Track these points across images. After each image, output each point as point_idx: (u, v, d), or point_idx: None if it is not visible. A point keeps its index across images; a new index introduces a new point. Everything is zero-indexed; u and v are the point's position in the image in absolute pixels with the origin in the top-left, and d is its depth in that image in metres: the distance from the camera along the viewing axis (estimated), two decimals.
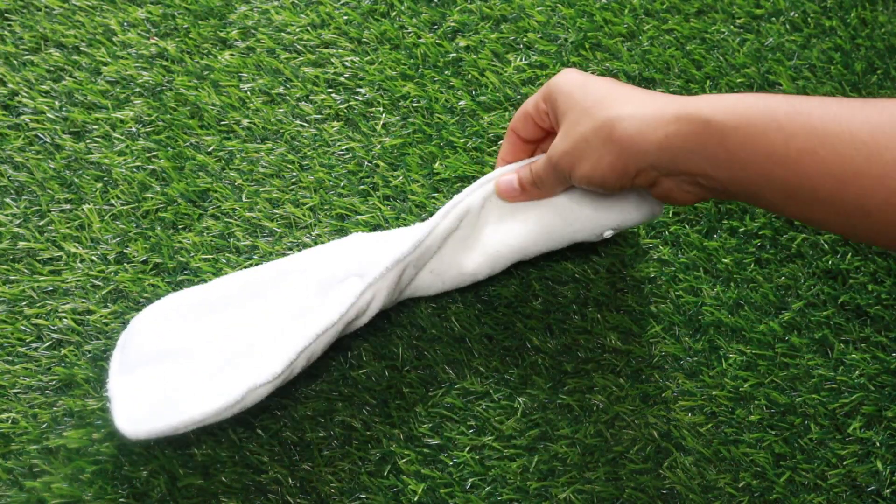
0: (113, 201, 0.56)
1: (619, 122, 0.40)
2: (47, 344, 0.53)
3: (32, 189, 0.56)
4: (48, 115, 0.58)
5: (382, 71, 0.60)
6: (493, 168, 0.57)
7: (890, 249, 0.36)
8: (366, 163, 0.58)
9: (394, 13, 0.62)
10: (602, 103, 0.42)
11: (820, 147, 0.34)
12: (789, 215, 0.38)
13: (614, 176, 0.42)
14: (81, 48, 0.60)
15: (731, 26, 0.61)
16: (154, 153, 0.58)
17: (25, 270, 0.54)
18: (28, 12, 0.61)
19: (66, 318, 0.53)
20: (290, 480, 0.50)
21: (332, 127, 0.59)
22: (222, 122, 0.59)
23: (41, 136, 0.58)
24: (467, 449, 0.51)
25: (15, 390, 0.52)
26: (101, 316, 0.53)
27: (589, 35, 0.61)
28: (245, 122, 0.59)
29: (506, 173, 0.50)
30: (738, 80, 0.60)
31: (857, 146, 0.34)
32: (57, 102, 0.59)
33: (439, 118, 0.59)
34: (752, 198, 0.39)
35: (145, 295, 0.54)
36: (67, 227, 0.56)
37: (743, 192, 0.39)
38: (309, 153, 0.58)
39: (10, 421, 0.51)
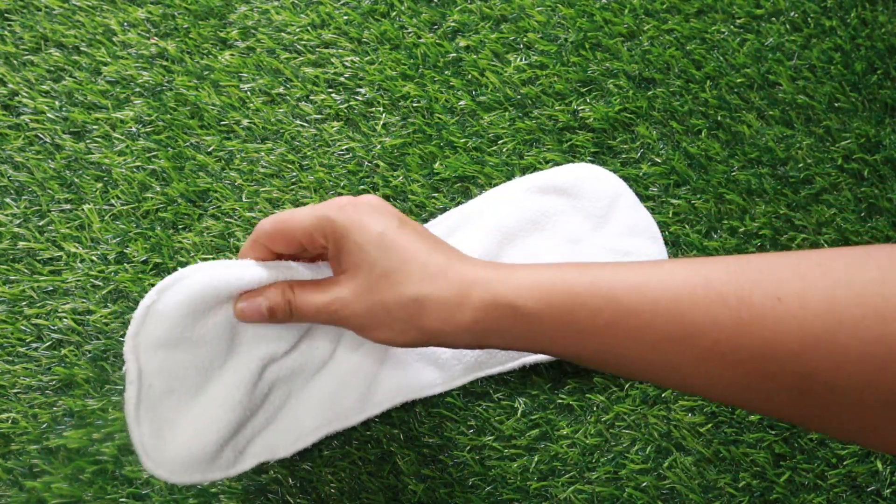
0: (113, 201, 0.56)
1: (424, 306, 0.38)
2: (47, 344, 0.53)
3: (32, 189, 0.57)
4: (48, 115, 0.58)
5: (382, 71, 0.60)
6: (492, 168, 0.58)
7: (707, 398, 0.37)
8: (366, 163, 0.58)
9: (394, 13, 0.62)
10: (401, 272, 0.39)
11: (624, 318, 0.36)
12: (621, 375, 0.39)
13: (418, 344, 0.40)
14: (81, 48, 0.60)
15: (731, 26, 0.61)
16: (154, 153, 0.58)
17: (25, 270, 0.54)
18: (28, 12, 0.61)
19: (66, 318, 0.53)
20: (290, 480, 0.50)
21: (332, 127, 0.59)
22: (222, 122, 0.59)
23: (41, 136, 0.58)
24: (467, 449, 0.51)
25: (15, 390, 0.52)
26: (101, 316, 0.53)
27: (589, 35, 0.61)
28: (245, 122, 0.59)
29: (251, 294, 0.42)
30: (738, 80, 0.60)
31: (658, 313, 0.35)
32: (57, 102, 0.59)
33: (439, 118, 0.59)
34: (573, 361, 0.39)
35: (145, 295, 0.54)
36: (67, 227, 0.56)
37: (562, 357, 0.39)
38: (309, 153, 0.58)
39: (10, 421, 0.51)
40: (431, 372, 0.51)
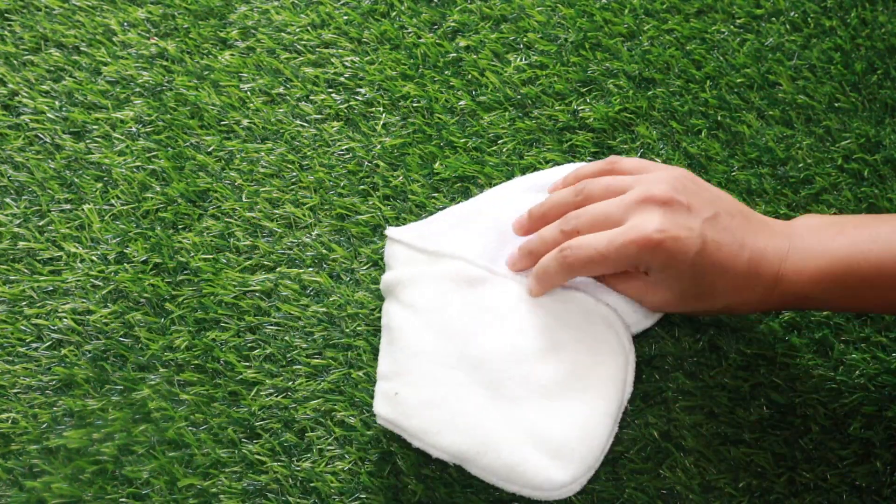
0: (113, 201, 0.56)
1: (733, 309, 0.48)
2: (47, 344, 0.53)
3: (32, 189, 0.57)
4: (48, 115, 0.58)
5: (382, 71, 0.60)
6: (492, 168, 0.57)
7: None
8: (366, 163, 0.58)
9: (394, 13, 0.62)
10: (711, 292, 0.47)
11: None
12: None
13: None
14: (81, 48, 0.60)
15: (731, 26, 0.61)
16: (154, 153, 0.58)
17: (25, 270, 0.54)
18: (28, 12, 0.61)
19: (66, 318, 0.53)
20: (290, 480, 0.50)
21: (332, 127, 0.59)
22: (222, 122, 0.59)
23: (41, 136, 0.58)
24: None
25: (15, 390, 0.52)
26: (101, 316, 0.53)
27: (589, 35, 0.61)
28: (245, 122, 0.59)
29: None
30: (738, 80, 0.60)
31: None
32: (57, 102, 0.59)
33: (439, 118, 0.59)
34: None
35: (145, 295, 0.54)
36: (67, 227, 0.56)
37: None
38: (309, 153, 0.58)
39: (10, 421, 0.51)
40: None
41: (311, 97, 0.59)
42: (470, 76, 0.60)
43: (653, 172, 0.49)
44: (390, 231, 0.52)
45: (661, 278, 0.47)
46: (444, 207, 0.56)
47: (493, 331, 0.49)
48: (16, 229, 0.55)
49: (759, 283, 0.46)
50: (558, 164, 0.58)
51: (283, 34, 0.61)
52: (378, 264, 0.55)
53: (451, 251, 0.51)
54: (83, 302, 0.54)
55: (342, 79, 0.60)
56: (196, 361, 0.52)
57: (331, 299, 0.54)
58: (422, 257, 0.51)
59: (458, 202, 0.56)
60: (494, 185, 0.57)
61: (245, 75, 0.60)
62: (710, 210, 0.46)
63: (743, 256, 0.46)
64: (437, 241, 0.52)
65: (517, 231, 0.51)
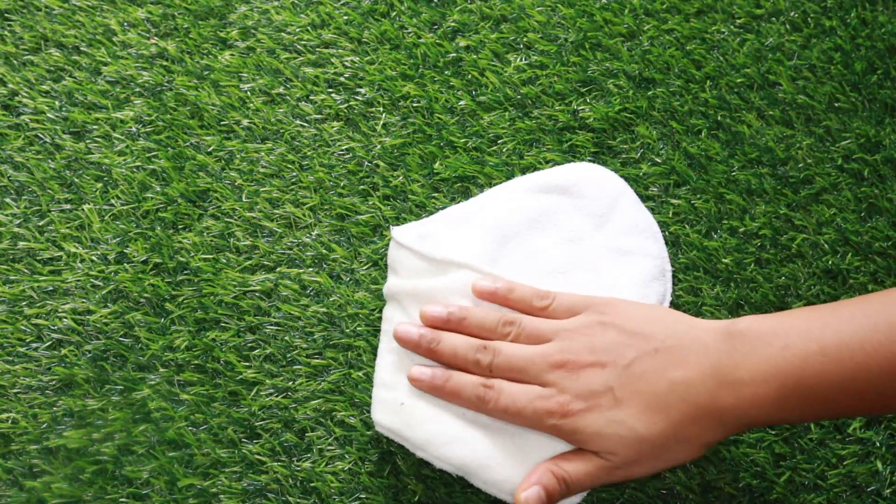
0: (113, 201, 0.56)
1: (680, 461, 0.45)
2: (47, 344, 0.53)
3: (32, 189, 0.57)
4: (48, 115, 0.58)
5: (382, 71, 0.60)
6: (492, 168, 0.57)
7: None
8: (366, 163, 0.58)
9: (394, 13, 0.62)
10: (649, 457, 0.44)
11: (857, 402, 0.42)
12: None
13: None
14: (81, 48, 0.60)
15: (731, 26, 0.61)
16: (154, 153, 0.58)
17: (25, 270, 0.54)
18: (28, 12, 0.61)
19: (66, 318, 0.53)
20: (290, 480, 0.50)
21: (332, 127, 0.59)
22: (222, 122, 0.59)
23: (41, 136, 0.58)
24: None
25: (15, 390, 0.52)
26: (101, 316, 0.53)
27: (589, 35, 0.61)
28: (245, 122, 0.59)
29: (525, 484, 0.45)
30: (738, 80, 0.60)
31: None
32: (57, 102, 0.59)
33: (439, 118, 0.59)
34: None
35: (145, 295, 0.54)
36: (67, 227, 0.56)
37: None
38: (309, 153, 0.58)
39: (10, 421, 0.51)
40: None
41: (311, 97, 0.59)
42: (470, 76, 0.60)
43: (575, 320, 0.47)
44: (396, 234, 0.52)
45: (592, 448, 0.44)
46: (443, 207, 0.56)
47: None
48: (16, 229, 0.55)
49: (693, 440, 0.43)
50: (558, 164, 0.58)
51: (283, 34, 0.61)
52: (378, 264, 0.55)
53: (459, 259, 0.51)
54: (83, 302, 0.54)
55: (342, 79, 0.60)
56: (196, 361, 0.52)
57: (331, 299, 0.54)
58: (429, 267, 0.51)
59: (458, 202, 0.56)
60: (494, 185, 0.57)
61: (245, 75, 0.60)
62: (629, 354, 0.44)
63: (678, 408, 0.43)
64: (443, 246, 0.52)
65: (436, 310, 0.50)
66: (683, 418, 0.42)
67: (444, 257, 0.51)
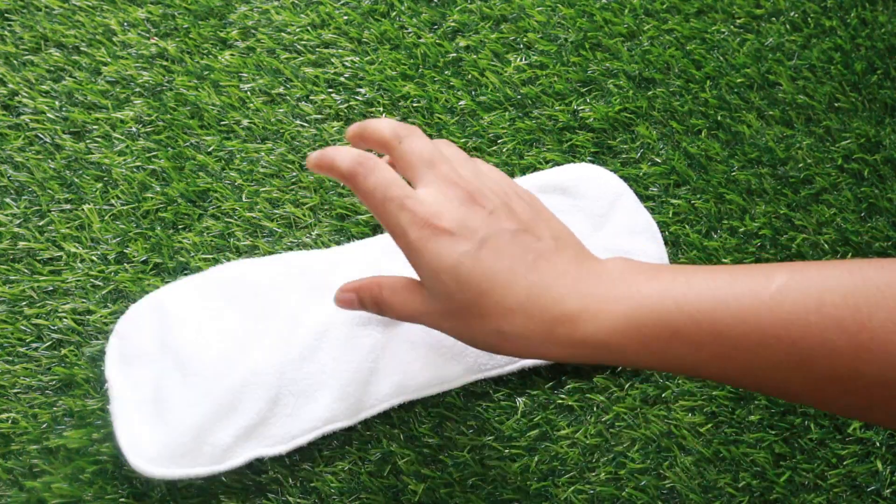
0: (113, 201, 0.56)
1: (508, 339, 0.38)
2: (47, 344, 0.53)
3: (32, 189, 0.57)
4: (48, 115, 0.58)
5: (382, 71, 0.60)
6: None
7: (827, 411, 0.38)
8: None
9: (394, 13, 0.62)
10: (478, 306, 0.38)
11: (730, 351, 0.34)
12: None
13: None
14: (81, 48, 0.60)
15: (731, 26, 0.61)
16: (154, 153, 0.58)
17: (25, 270, 0.54)
18: (28, 12, 0.61)
19: (66, 318, 0.53)
20: (290, 480, 0.50)
21: (332, 127, 0.59)
22: (222, 122, 0.59)
23: (41, 136, 0.58)
24: (467, 449, 0.51)
25: (15, 390, 0.52)
26: (101, 316, 0.53)
27: (589, 35, 0.61)
28: (245, 122, 0.59)
29: (347, 288, 0.44)
30: (738, 80, 0.60)
31: (767, 344, 0.33)
32: (57, 102, 0.59)
33: (439, 118, 0.59)
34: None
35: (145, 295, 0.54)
36: (67, 227, 0.56)
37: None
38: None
39: (10, 421, 0.51)
40: (430, 372, 0.51)
41: (311, 97, 0.59)
42: (470, 76, 0.60)
43: (489, 168, 0.43)
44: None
45: (422, 277, 0.40)
46: None
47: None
48: (16, 229, 0.55)
49: (540, 314, 0.37)
50: (558, 164, 0.58)
51: (283, 34, 0.61)
52: None
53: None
54: (83, 302, 0.54)
55: (342, 79, 0.60)
56: None
57: None
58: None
59: None
60: None
61: (245, 75, 0.60)
62: (516, 225, 0.39)
63: (526, 277, 0.37)
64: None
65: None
66: (529, 298, 0.37)
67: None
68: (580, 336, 0.36)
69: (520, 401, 0.52)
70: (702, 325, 0.34)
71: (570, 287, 0.37)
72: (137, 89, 0.59)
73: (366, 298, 0.43)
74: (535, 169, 0.57)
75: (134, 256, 0.55)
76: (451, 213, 0.38)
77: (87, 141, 0.58)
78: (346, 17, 0.61)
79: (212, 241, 0.55)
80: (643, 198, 0.57)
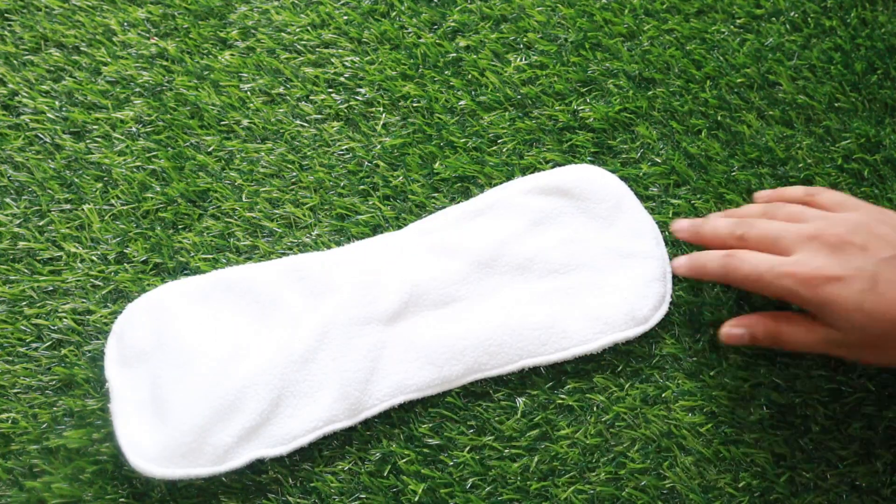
0: (113, 201, 0.56)
1: None
2: (47, 344, 0.53)
3: (32, 189, 0.57)
4: (48, 115, 0.58)
5: (382, 71, 0.60)
6: (492, 168, 0.57)
7: None
8: (366, 163, 0.58)
9: (394, 13, 0.62)
10: (890, 337, 0.43)
11: None
12: None
13: None
14: (81, 48, 0.60)
15: (731, 26, 0.61)
16: (154, 153, 0.58)
17: (25, 270, 0.54)
18: (28, 12, 0.61)
19: (66, 318, 0.53)
20: (290, 480, 0.50)
21: (332, 127, 0.59)
22: (222, 122, 0.59)
23: (41, 136, 0.58)
24: (467, 449, 0.51)
25: (15, 390, 0.52)
26: (101, 316, 0.53)
27: (589, 35, 0.61)
28: (245, 122, 0.59)
29: (736, 324, 0.49)
30: (738, 80, 0.60)
31: None
32: (57, 102, 0.59)
33: (439, 118, 0.59)
34: None
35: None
36: (67, 227, 0.56)
37: None
38: (309, 153, 0.58)
39: (10, 421, 0.51)
40: (430, 372, 0.51)
41: (311, 97, 0.59)
42: (470, 76, 0.60)
43: (843, 213, 0.48)
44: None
45: (828, 320, 0.45)
46: (444, 207, 0.56)
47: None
48: (16, 229, 0.55)
49: None
50: (558, 164, 0.58)
51: (283, 34, 0.61)
52: None
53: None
54: (83, 302, 0.54)
55: (342, 79, 0.60)
56: None
57: None
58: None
59: (458, 202, 0.56)
60: (494, 185, 0.57)
61: (245, 75, 0.60)
62: (891, 250, 0.43)
63: None
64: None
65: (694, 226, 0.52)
66: None
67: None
68: None
69: (520, 401, 0.52)
70: None
71: None
72: (137, 89, 0.59)
73: (759, 333, 0.48)
74: (536, 169, 0.57)
75: (134, 256, 0.55)
76: (828, 261, 0.44)
77: (87, 141, 0.58)
78: (346, 17, 0.61)
79: (212, 241, 0.55)
80: (643, 198, 0.57)
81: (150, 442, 0.47)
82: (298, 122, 0.59)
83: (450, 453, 0.51)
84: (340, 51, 0.61)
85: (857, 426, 0.51)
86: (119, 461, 0.50)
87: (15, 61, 0.60)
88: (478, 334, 0.51)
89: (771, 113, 0.59)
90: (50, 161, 0.57)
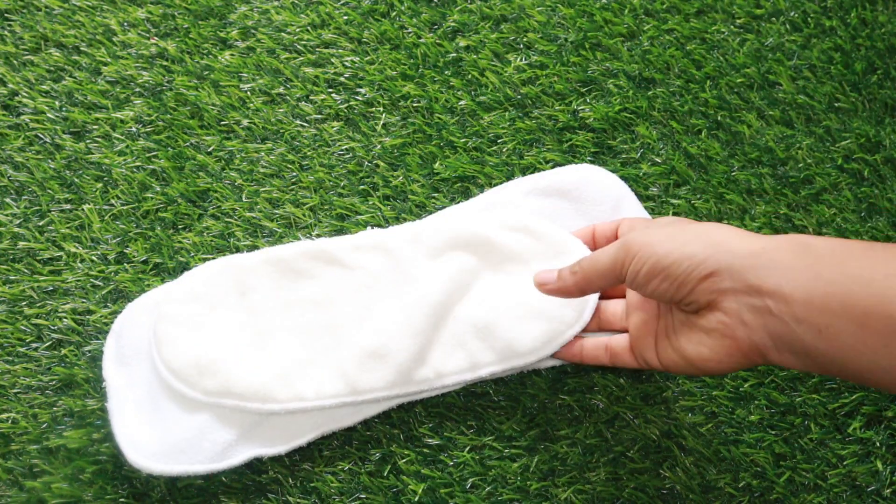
0: (113, 201, 0.56)
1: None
2: (47, 344, 0.53)
3: (32, 189, 0.57)
4: (48, 115, 0.58)
5: (382, 71, 0.60)
6: (492, 168, 0.57)
7: None
8: (366, 163, 0.58)
9: (394, 13, 0.62)
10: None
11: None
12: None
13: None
14: (81, 48, 0.60)
15: (731, 26, 0.61)
16: (154, 153, 0.58)
17: (25, 270, 0.54)
18: (28, 12, 0.61)
19: (66, 318, 0.53)
20: (290, 480, 0.50)
21: (332, 127, 0.59)
22: (222, 122, 0.59)
23: (41, 136, 0.58)
24: (467, 449, 0.51)
25: (15, 390, 0.52)
26: (101, 316, 0.53)
27: (589, 35, 0.61)
28: (245, 122, 0.59)
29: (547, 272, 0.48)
30: (738, 80, 0.60)
31: None
32: (57, 102, 0.59)
33: (439, 118, 0.59)
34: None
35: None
36: (67, 227, 0.56)
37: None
38: (309, 153, 0.58)
39: (10, 421, 0.51)
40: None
41: (311, 97, 0.59)
42: (470, 76, 0.60)
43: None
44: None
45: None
46: (444, 207, 0.56)
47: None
48: (16, 229, 0.55)
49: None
50: (558, 164, 0.58)
51: (283, 34, 0.61)
52: None
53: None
54: (83, 302, 0.54)
55: (342, 79, 0.60)
56: None
57: None
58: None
59: (459, 202, 0.56)
60: (494, 185, 0.57)
61: (245, 75, 0.60)
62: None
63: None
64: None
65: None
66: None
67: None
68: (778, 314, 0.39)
69: (520, 401, 0.52)
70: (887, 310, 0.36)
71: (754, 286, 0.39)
72: (137, 89, 0.59)
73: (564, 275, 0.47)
74: (536, 169, 0.57)
75: (134, 256, 0.55)
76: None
77: (87, 141, 0.58)
78: (346, 17, 0.62)
79: (212, 241, 0.55)
80: (643, 198, 0.57)
81: (149, 439, 0.47)
82: (298, 122, 0.59)
83: (450, 453, 0.51)
84: (340, 51, 0.61)
85: (857, 426, 0.51)
86: (119, 461, 0.50)
87: (15, 61, 0.60)
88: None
89: (771, 113, 0.59)
90: (50, 161, 0.57)
